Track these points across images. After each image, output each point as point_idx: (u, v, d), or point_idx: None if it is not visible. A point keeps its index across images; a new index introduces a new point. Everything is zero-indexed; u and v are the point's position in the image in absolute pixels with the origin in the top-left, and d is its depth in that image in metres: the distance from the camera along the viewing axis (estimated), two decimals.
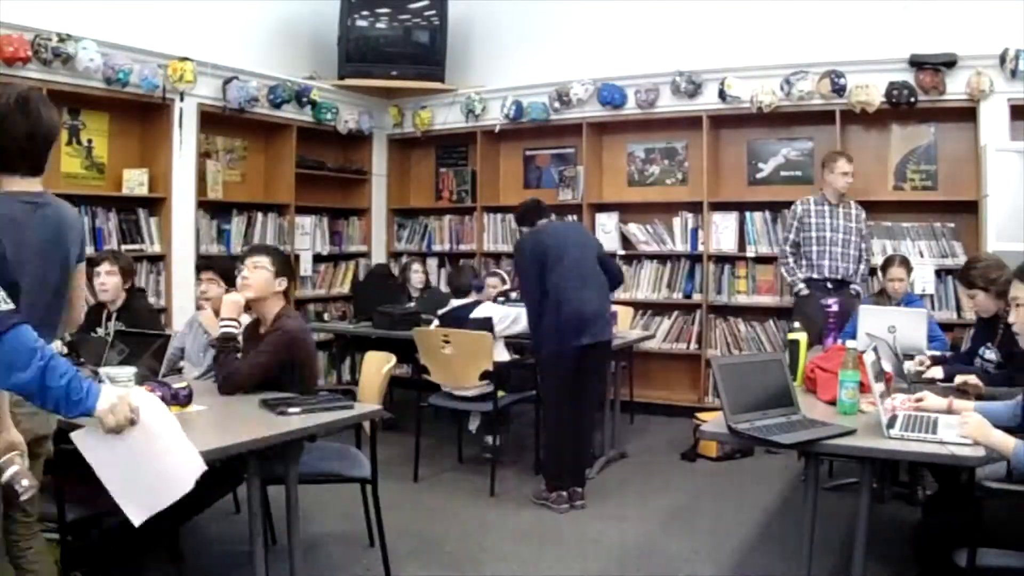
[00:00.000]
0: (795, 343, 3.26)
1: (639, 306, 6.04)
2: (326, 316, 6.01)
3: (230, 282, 3.39)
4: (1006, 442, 2.15)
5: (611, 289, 4.30)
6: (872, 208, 5.32)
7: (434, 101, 6.65)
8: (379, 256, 6.99)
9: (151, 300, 4.92)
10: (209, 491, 3.06)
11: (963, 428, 2.24)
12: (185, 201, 5.33)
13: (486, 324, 4.27)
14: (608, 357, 4.14)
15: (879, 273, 4.60)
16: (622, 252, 6.10)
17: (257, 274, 2.98)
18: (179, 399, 2.58)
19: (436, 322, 4.60)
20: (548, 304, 3.88)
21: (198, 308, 3.86)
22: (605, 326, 3.97)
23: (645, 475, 4.53)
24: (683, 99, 5.71)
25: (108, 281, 3.70)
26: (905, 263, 4.47)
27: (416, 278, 5.75)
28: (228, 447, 2.27)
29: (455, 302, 4.54)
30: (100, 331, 3.74)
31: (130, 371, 2.53)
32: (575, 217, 6.25)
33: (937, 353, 3.57)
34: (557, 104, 6.10)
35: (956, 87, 4.94)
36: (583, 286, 3.89)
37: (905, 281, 4.42)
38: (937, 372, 3.19)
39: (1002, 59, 4.76)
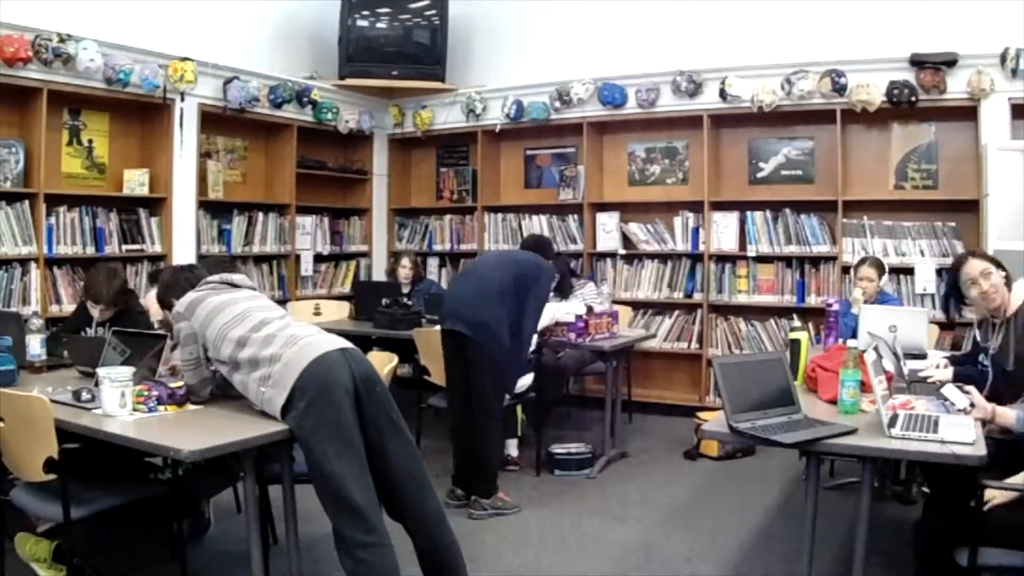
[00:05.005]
0: (796, 342, 3.26)
1: (640, 305, 6.05)
2: None
3: None
4: (1005, 414, 2.46)
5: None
6: (872, 207, 5.33)
7: (435, 101, 6.65)
8: (380, 256, 7.00)
9: None
10: (204, 485, 3.07)
11: (976, 413, 2.49)
12: (186, 201, 5.33)
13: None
14: (483, 360, 3.79)
15: (852, 273, 4.61)
16: (623, 252, 6.11)
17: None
18: (176, 398, 2.59)
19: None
20: None
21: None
22: (467, 321, 3.78)
23: (646, 475, 4.52)
24: (684, 98, 5.70)
25: (102, 315, 3.69)
26: (877, 265, 4.44)
27: (402, 273, 5.72)
28: (222, 446, 2.28)
29: None
30: (90, 331, 3.74)
31: (128, 371, 2.55)
32: (576, 216, 6.26)
33: (948, 354, 3.58)
34: (558, 104, 6.10)
35: (957, 86, 4.93)
36: (462, 285, 4.05)
37: (875, 282, 4.38)
38: (946, 374, 3.18)
39: (1003, 58, 4.76)
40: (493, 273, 3.93)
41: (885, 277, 4.53)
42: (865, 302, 4.27)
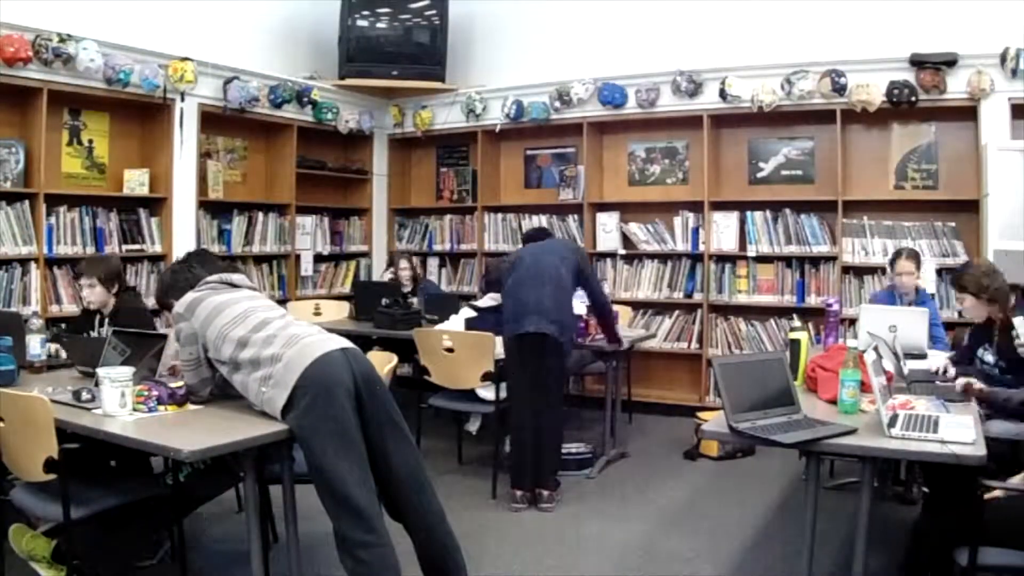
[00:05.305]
0: (796, 342, 3.26)
1: (640, 305, 6.04)
2: None
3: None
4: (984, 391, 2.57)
5: (596, 309, 4.35)
6: (873, 207, 5.33)
7: (435, 101, 6.65)
8: (380, 256, 6.99)
9: (150, 300, 4.92)
10: (205, 487, 3.07)
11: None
12: (186, 201, 5.33)
13: None
14: (557, 357, 3.93)
15: (888, 268, 4.51)
16: (623, 252, 6.10)
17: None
18: (176, 398, 2.59)
19: (470, 311, 4.53)
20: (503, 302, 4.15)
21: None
22: (545, 321, 3.84)
23: (646, 475, 4.52)
24: (684, 98, 5.70)
25: (90, 294, 3.72)
26: (914, 256, 4.30)
27: (404, 275, 5.70)
28: (222, 446, 2.28)
29: (492, 301, 4.44)
30: (93, 335, 3.72)
31: (128, 371, 2.54)
32: (576, 216, 6.26)
33: (950, 353, 3.61)
34: (558, 104, 6.10)
35: (957, 86, 4.93)
36: (530, 285, 3.97)
37: (915, 275, 4.26)
38: (951, 373, 3.22)
39: (1003, 58, 4.76)
40: (554, 271, 4.01)
41: (924, 272, 4.40)
42: (908, 302, 4.23)
